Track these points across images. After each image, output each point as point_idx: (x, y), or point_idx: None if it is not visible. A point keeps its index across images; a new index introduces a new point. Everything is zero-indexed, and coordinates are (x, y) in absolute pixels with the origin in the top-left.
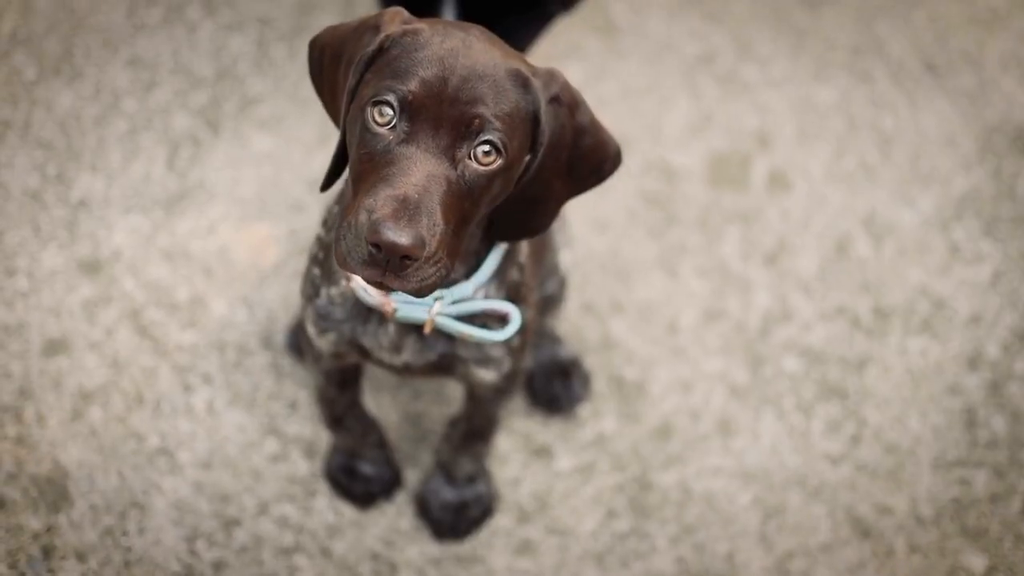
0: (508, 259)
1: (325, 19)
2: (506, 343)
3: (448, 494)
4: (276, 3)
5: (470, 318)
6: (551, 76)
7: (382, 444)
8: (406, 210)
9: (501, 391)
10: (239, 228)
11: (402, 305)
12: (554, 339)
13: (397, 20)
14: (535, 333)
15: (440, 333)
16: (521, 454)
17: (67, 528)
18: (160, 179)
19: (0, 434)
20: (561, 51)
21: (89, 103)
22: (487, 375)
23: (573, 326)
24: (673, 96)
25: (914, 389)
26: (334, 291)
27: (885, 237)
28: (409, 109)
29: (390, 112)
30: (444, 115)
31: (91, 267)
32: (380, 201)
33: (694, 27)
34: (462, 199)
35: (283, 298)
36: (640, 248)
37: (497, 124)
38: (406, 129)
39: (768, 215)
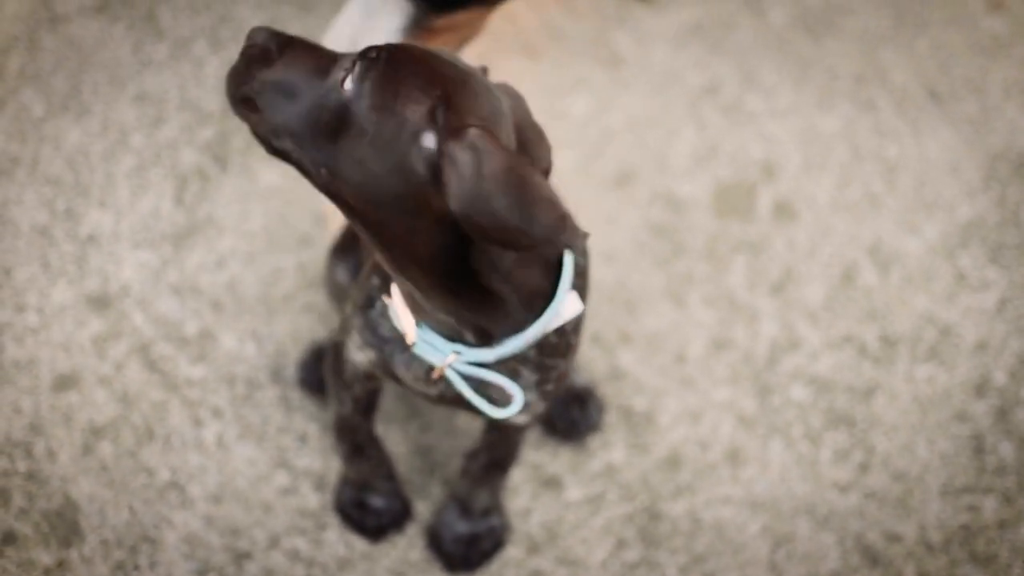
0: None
1: None
2: (540, 388)
3: (461, 527)
4: None
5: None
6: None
7: (392, 476)
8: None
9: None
10: (248, 262)
11: (422, 343)
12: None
13: None
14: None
15: (517, 370)
16: (530, 485)
17: (78, 563)
18: (168, 214)
19: (11, 469)
20: (567, 84)
21: (97, 139)
22: (519, 418)
23: (581, 357)
24: (678, 127)
25: (922, 416)
26: (386, 305)
27: (891, 265)
28: None
29: None
30: None
31: (100, 302)
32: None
33: (698, 58)
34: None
35: (292, 332)
36: (647, 278)
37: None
38: None
39: (774, 244)
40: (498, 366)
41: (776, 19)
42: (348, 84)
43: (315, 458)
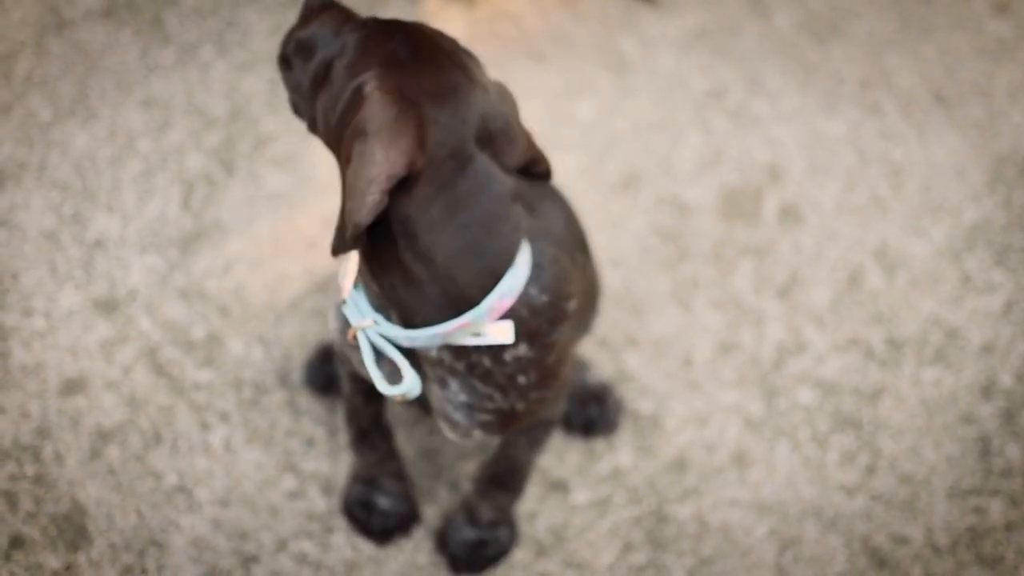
0: (483, 349)
1: None
2: (473, 413)
3: (468, 533)
4: None
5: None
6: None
7: (401, 476)
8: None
9: (531, 439)
10: (254, 267)
11: (351, 303)
12: (581, 365)
13: None
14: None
15: (445, 380)
16: (537, 488)
17: (86, 567)
18: (175, 219)
19: (18, 473)
20: (573, 88)
21: (104, 144)
22: (450, 433)
23: (588, 360)
24: (684, 131)
25: (928, 419)
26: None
27: (897, 268)
28: None
29: None
30: None
31: (108, 307)
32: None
33: (704, 63)
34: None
35: (299, 336)
36: (653, 282)
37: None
38: None
39: (780, 248)
40: (424, 366)
41: (781, 24)
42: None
43: (322, 462)
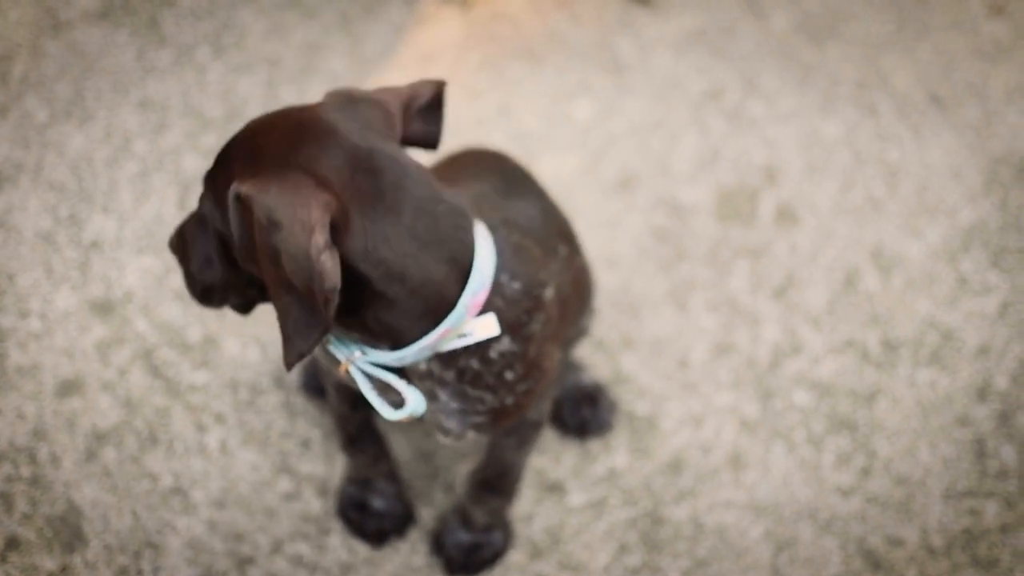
0: (470, 351)
1: (334, 60)
2: (465, 418)
3: (463, 536)
4: (285, 44)
5: (381, 385)
6: (267, 180)
7: (394, 478)
8: (182, 223)
9: (519, 440)
10: None
11: (335, 340)
12: (576, 367)
13: None
14: (552, 383)
15: (435, 392)
16: (533, 490)
17: (82, 568)
18: (171, 220)
19: (14, 475)
20: (570, 89)
21: (100, 145)
22: (444, 439)
23: (584, 362)
24: (681, 132)
25: (923, 421)
26: None
27: (893, 269)
28: None
29: None
30: None
31: (104, 308)
32: None
33: (701, 64)
34: (203, 248)
35: None
36: (650, 284)
37: (203, 192)
38: None
39: (776, 249)
40: (413, 380)
41: (778, 25)
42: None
43: (318, 463)
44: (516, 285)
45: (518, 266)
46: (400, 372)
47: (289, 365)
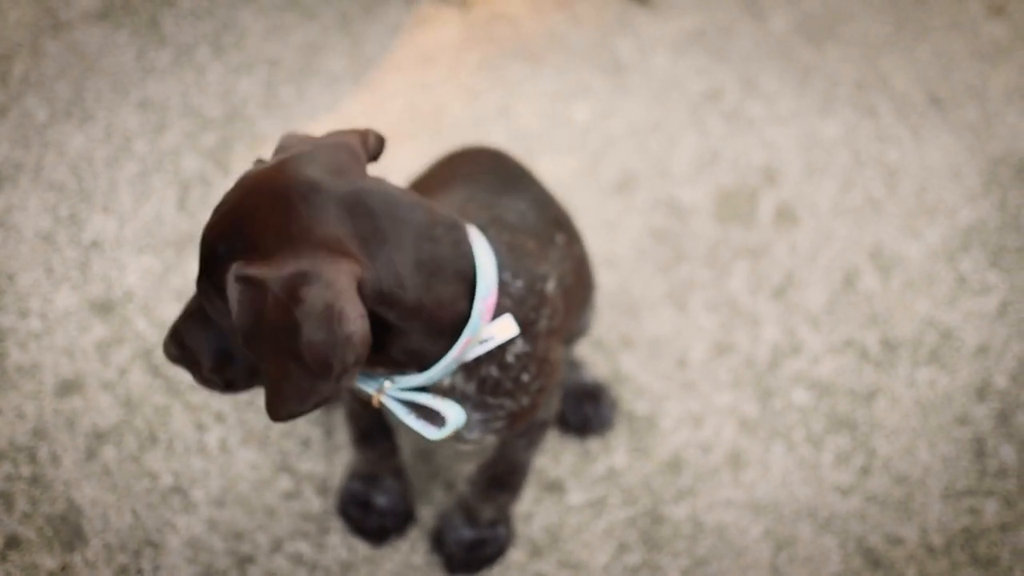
0: (489, 357)
1: (333, 60)
2: (487, 425)
3: (466, 533)
4: (284, 44)
5: (418, 408)
6: (267, 256)
7: (400, 473)
8: (174, 332)
9: (529, 441)
10: None
11: (363, 377)
12: (576, 364)
13: None
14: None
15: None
16: (533, 489)
17: (82, 567)
18: (171, 220)
19: (14, 474)
20: (569, 90)
21: (100, 145)
22: (468, 440)
23: (584, 360)
24: (680, 133)
25: (923, 420)
26: None
27: (892, 269)
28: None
29: None
30: (200, 265)
31: (104, 308)
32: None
33: (700, 65)
34: (220, 343)
35: None
36: (649, 284)
37: (210, 292)
38: None
39: (776, 249)
40: (436, 397)
41: (777, 26)
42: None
43: (318, 462)
44: (519, 283)
45: (516, 264)
46: (425, 391)
47: (278, 420)
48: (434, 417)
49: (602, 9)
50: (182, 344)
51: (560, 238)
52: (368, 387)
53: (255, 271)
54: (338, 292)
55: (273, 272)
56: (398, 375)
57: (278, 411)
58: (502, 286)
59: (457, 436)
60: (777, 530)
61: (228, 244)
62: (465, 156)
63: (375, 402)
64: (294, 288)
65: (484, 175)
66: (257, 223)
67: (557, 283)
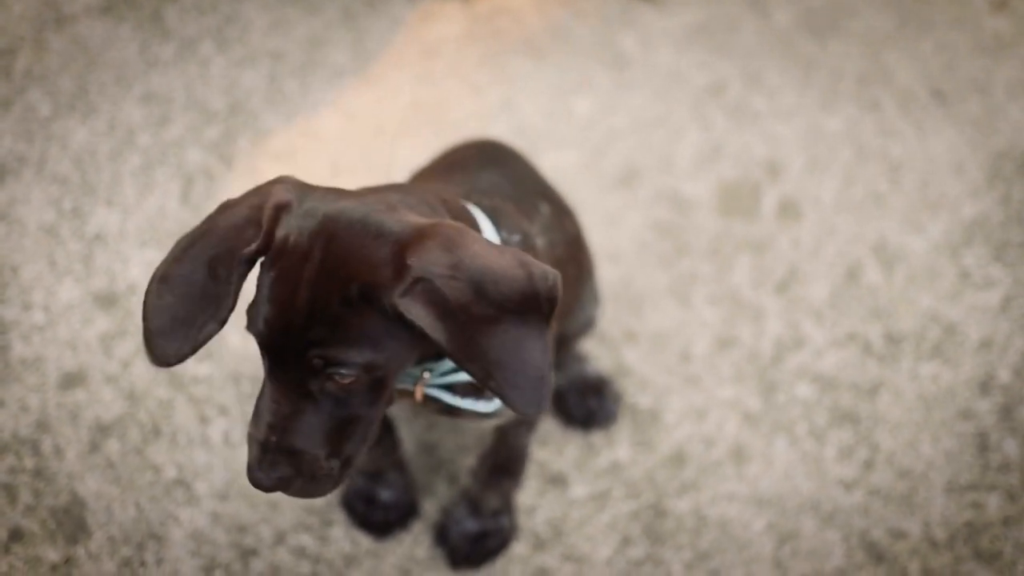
0: None
1: (336, 54)
2: None
3: (471, 524)
4: (287, 38)
5: (463, 387)
6: (403, 265)
7: (403, 467)
8: (266, 455)
9: (527, 424)
10: None
11: (403, 377)
12: (580, 358)
13: (272, 211)
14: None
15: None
16: (536, 482)
17: (85, 560)
18: (175, 213)
19: (18, 466)
20: (572, 84)
21: (104, 138)
22: (490, 421)
23: (587, 355)
24: (683, 127)
25: (926, 414)
26: None
27: (895, 264)
28: (262, 345)
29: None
30: (290, 353)
31: (107, 300)
32: (249, 441)
33: (703, 59)
34: (339, 415)
35: None
36: (652, 278)
37: (340, 356)
38: (266, 362)
39: (779, 243)
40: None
41: (780, 20)
42: None
43: None
44: (516, 238)
45: (506, 221)
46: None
47: (541, 405)
48: (479, 391)
49: (605, 3)
50: (291, 451)
51: (545, 208)
52: (406, 383)
53: (416, 261)
54: (499, 247)
55: (425, 253)
56: (431, 361)
57: (540, 390)
58: (504, 242)
59: (476, 415)
60: (780, 524)
61: (342, 294)
62: (463, 147)
63: (418, 395)
64: (456, 258)
65: (472, 160)
66: (356, 255)
67: (547, 245)
